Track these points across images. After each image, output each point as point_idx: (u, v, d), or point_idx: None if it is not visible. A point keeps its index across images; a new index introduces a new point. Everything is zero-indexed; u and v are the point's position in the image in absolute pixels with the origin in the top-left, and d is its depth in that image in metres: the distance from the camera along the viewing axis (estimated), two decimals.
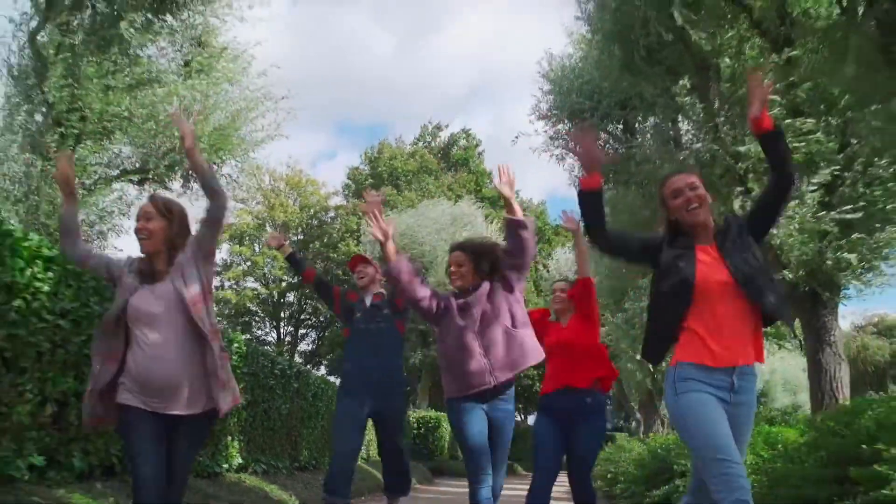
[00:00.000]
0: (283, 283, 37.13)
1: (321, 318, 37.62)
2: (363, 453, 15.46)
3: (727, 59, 7.86)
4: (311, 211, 36.82)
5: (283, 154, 59.81)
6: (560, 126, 11.83)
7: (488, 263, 4.43)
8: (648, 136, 10.53)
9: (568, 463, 5.16)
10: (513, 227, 4.21)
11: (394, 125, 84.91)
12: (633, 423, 26.95)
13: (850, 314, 57.60)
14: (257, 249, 36.78)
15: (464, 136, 37.06)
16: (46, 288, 5.07)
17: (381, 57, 78.15)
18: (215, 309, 4.25)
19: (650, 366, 19.63)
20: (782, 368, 39.20)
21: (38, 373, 5.01)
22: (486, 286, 4.38)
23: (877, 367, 49.96)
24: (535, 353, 4.33)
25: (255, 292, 36.97)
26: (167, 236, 3.60)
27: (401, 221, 25.04)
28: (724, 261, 3.23)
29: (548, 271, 27.66)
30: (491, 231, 25.36)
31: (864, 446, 4.78)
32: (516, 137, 11.99)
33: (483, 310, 4.32)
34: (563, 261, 26.18)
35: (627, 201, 11.19)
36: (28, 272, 4.91)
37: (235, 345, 8.16)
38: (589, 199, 3.40)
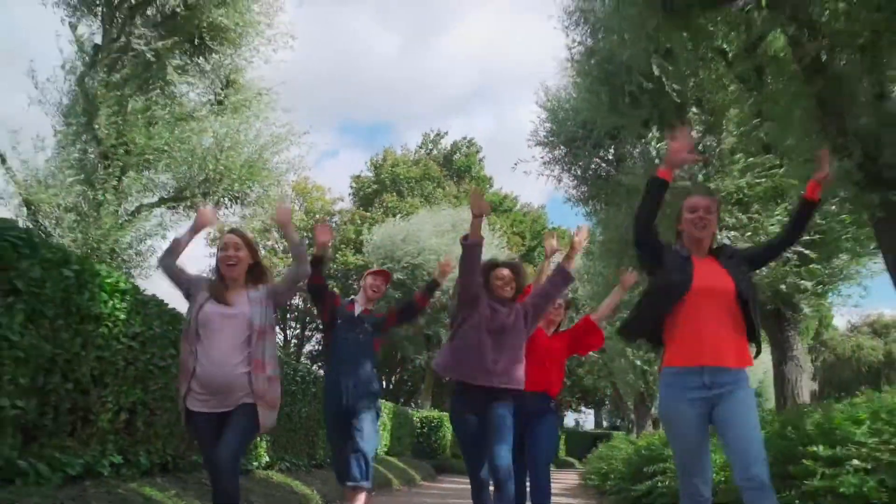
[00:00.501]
0: None
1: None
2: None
3: (695, 109, 8.89)
4: (317, 216, 37.74)
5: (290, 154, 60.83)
6: (556, 152, 12.87)
7: (518, 286, 5.08)
8: (636, 162, 11.55)
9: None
10: (561, 276, 5.05)
11: (396, 125, 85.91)
12: (628, 423, 27.87)
13: (848, 313, 58.08)
14: (263, 252, 37.66)
15: (465, 143, 38.10)
16: (123, 316, 6.10)
17: (385, 57, 79.15)
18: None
19: (642, 368, 20.70)
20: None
21: (115, 387, 6.05)
22: (519, 306, 5.02)
23: (871, 366, 50.80)
24: (521, 382, 4.99)
25: None
26: (248, 265, 4.34)
27: (405, 226, 25.84)
28: (727, 272, 3.66)
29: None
30: (492, 238, 26.16)
31: (800, 448, 5.87)
32: (515, 164, 12.96)
33: (509, 322, 4.94)
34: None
35: (617, 221, 12.19)
36: (110, 304, 5.96)
37: None
38: (656, 188, 3.67)
